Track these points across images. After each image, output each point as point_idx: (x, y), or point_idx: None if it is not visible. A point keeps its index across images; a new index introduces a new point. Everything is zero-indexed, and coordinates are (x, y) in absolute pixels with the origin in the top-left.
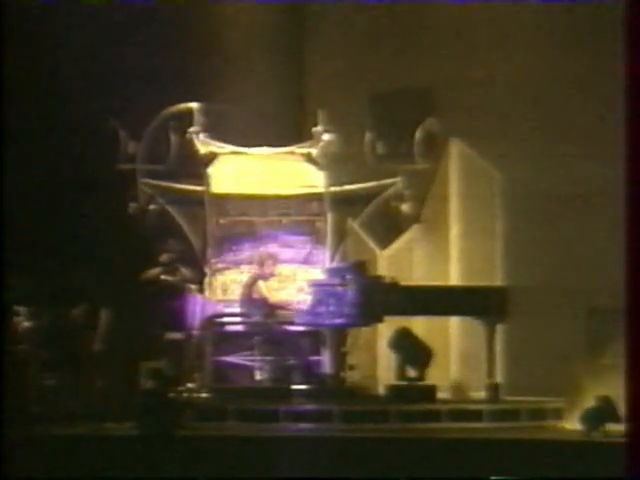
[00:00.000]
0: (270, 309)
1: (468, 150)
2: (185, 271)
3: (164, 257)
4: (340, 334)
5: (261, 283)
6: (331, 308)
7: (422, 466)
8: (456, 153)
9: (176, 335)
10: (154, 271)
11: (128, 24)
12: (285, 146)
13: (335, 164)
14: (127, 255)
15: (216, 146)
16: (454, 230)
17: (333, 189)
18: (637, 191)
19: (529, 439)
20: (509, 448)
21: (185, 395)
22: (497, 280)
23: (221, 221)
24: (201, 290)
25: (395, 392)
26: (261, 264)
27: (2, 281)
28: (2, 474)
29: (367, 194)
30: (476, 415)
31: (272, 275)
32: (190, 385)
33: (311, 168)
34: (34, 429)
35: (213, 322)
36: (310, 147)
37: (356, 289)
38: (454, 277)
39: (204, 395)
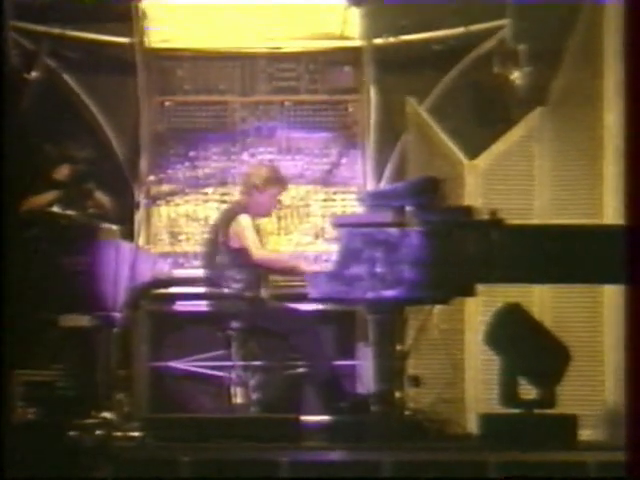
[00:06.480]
0: (261, 271)
1: None
2: (99, 196)
3: (60, 172)
4: (393, 319)
5: (246, 219)
6: (377, 269)
7: None
8: None
9: (81, 319)
10: (42, 197)
11: None
12: None
13: None
14: None
15: None
16: (609, 120)
17: (378, 41)
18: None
19: None
20: None
21: (99, 433)
22: None
23: (167, 103)
24: (129, 233)
25: (499, 427)
26: (248, 185)
27: None
28: None
29: (444, 51)
30: None
31: (272, 206)
32: (108, 414)
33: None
34: None
35: (151, 294)
36: None
37: (424, 232)
38: (610, 210)
39: (134, 433)
